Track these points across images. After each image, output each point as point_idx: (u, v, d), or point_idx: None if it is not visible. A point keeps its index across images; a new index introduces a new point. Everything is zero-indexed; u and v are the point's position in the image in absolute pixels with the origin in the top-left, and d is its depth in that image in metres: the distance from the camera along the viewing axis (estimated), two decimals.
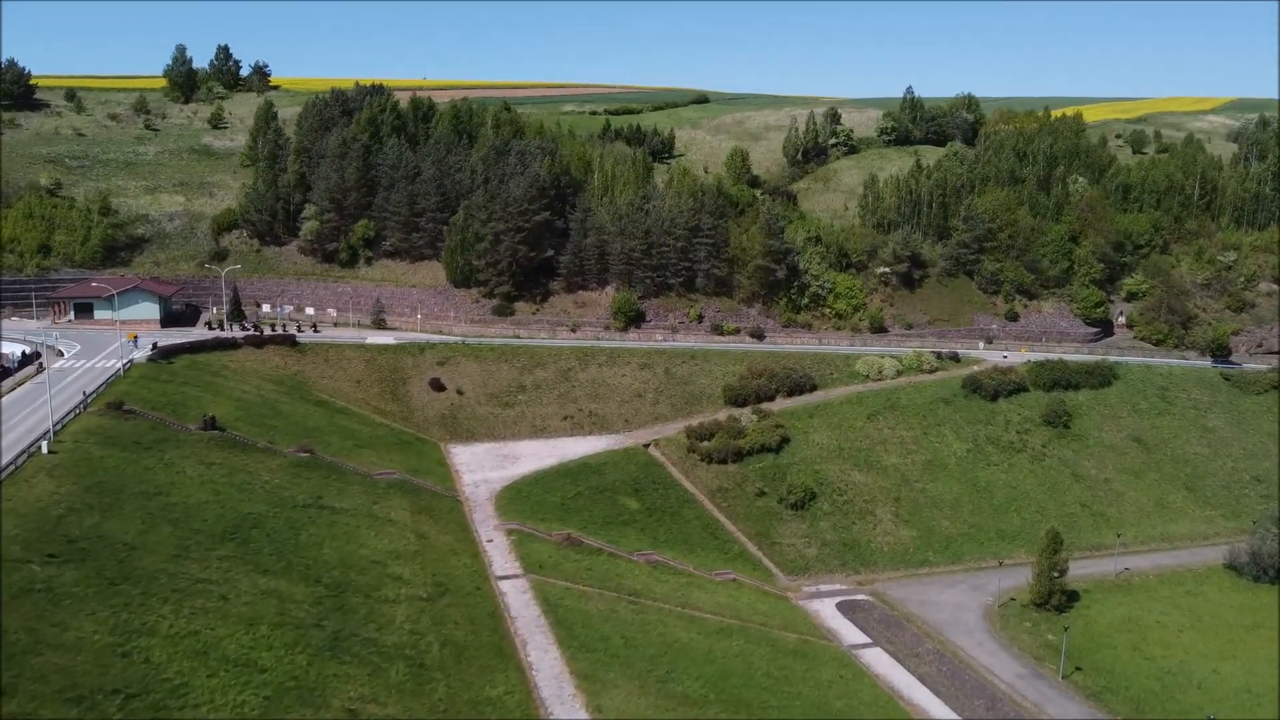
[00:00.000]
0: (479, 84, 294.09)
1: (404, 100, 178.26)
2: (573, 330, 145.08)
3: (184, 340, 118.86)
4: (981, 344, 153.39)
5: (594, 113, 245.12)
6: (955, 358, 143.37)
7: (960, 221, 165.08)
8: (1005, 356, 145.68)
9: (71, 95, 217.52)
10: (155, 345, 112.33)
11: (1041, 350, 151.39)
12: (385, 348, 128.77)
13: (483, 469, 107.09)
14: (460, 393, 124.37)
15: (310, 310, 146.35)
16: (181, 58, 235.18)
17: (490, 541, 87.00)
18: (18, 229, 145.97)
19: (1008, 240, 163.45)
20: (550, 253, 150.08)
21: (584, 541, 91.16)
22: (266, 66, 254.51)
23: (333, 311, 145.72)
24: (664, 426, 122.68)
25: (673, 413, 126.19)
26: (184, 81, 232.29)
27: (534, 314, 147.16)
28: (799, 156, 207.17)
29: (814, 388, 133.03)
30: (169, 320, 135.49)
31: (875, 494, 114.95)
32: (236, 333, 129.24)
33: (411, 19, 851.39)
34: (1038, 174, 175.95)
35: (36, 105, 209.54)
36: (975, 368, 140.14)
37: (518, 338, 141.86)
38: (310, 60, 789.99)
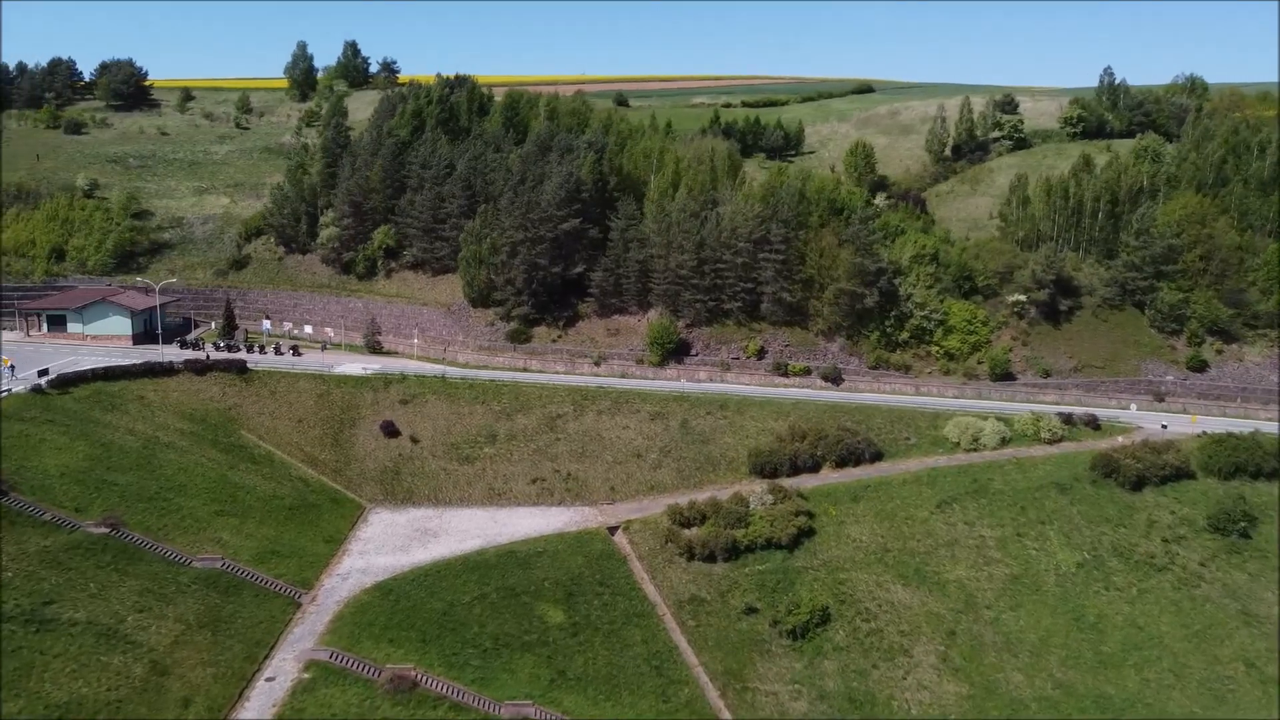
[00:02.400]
0: (614, 78, 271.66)
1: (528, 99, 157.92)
2: (596, 364, 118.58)
3: (106, 364, 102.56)
4: (1134, 405, 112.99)
5: (727, 105, 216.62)
6: (1094, 424, 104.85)
7: (1132, 236, 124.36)
8: (1165, 426, 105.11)
9: (188, 95, 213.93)
10: (42, 372, 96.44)
11: (1232, 416, 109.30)
12: (348, 379, 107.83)
13: (380, 551, 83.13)
14: (415, 440, 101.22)
15: (308, 329, 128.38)
16: (303, 55, 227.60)
17: (271, 680, 62.74)
18: (36, 232, 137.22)
19: (1199, 262, 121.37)
20: (581, 268, 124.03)
21: (423, 683, 64.97)
22: (395, 63, 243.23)
23: (330, 331, 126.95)
24: (658, 499, 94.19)
25: (676, 481, 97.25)
26: (302, 80, 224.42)
27: (554, 341, 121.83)
28: (946, 153, 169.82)
29: (877, 457, 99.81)
30: (145, 337, 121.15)
31: (920, 622, 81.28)
32: (199, 353, 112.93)
33: (571, 17, 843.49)
34: (1261, 175, 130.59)
35: (150, 105, 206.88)
36: (1119, 439, 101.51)
37: (525, 370, 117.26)
38: (464, 59, 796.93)
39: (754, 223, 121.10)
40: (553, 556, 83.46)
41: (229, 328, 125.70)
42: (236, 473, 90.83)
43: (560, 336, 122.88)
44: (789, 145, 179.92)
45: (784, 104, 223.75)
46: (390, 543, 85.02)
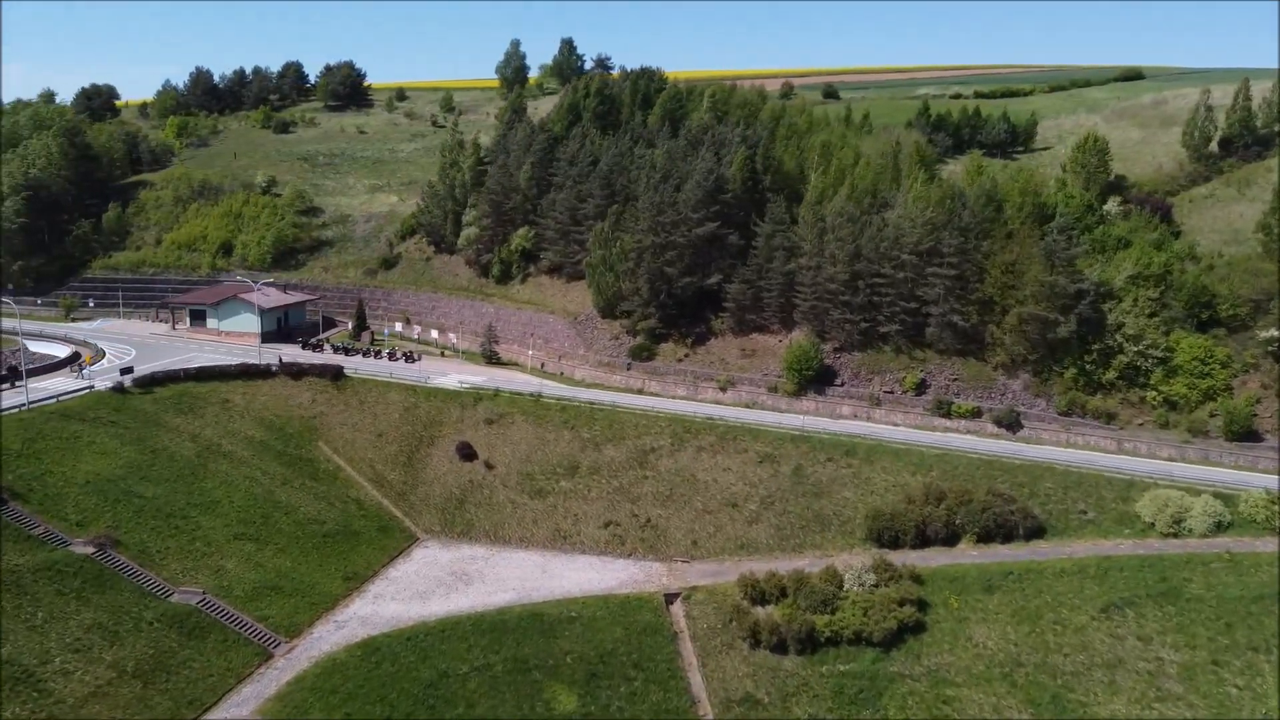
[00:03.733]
0: (830, 70, 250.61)
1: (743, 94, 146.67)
2: (722, 389, 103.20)
3: (200, 365, 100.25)
4: None
5: (956, 95, 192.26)
6: None
7: None
8: None
9: (401, 95, 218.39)
10: (125, 369, 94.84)
11: None
12: (439, 393, 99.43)
13: (398, 596, 73.19)
14: (489, 466, 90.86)
15: (434, 333, 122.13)
16: (515, 53, 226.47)
17: None
18: (209, 226, 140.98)
19: None
20: (717, 279, 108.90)
21: None
22: (608, 60, 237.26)
23: (453, 337, 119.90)
24: (743, 561, 78.06)
25: (772, 541, 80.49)
26: (513, 78, 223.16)
27: (680, 360, 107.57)
28: (1211, 148, 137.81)
29: (1035, 533, 77.93)
30: (277, 335, 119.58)
31: None
32: (316, 354, 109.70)
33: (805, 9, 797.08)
34: None
35: (363, 105, 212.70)
36: None
37: (641, 392, 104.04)
38: (680, 54, 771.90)
39: (922, 230, 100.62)
40: (587, 624, 69.64)
41: (359, 329, 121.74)
42: (287, 490, 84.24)
43: (687, 355, 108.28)
44: (1015, 140, 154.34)
45: (1027, 94, 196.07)
46: (415, 586, 74.73)
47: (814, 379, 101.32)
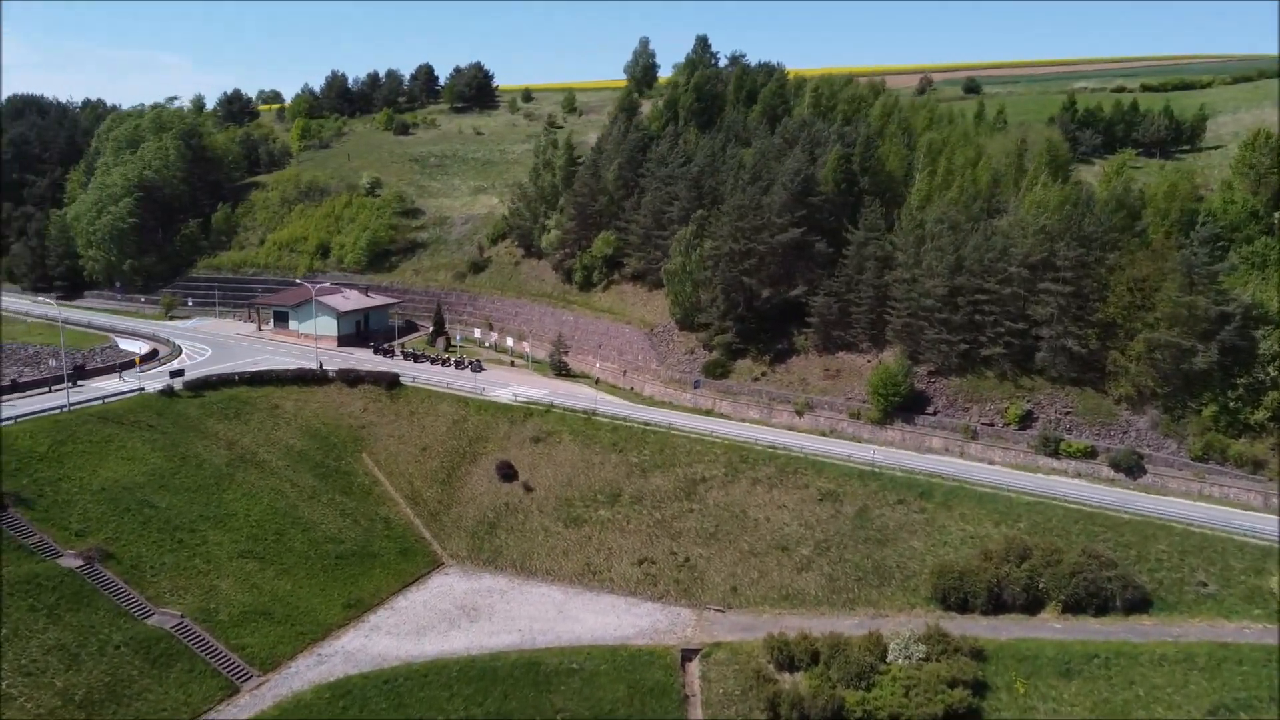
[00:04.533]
0: (977, 65, 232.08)
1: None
2: (799, 413, 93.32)
3: (257, 370, 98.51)
4: None
5: (1119, 89, 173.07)
6: None
7: None
8: None
9: (527, 96, 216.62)
10: (176, 373, 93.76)
11: None
12: (489, 406, 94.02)
13: (397, 629, 67.87)
14: (528, 489, 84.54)
15: (510, 340, 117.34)
16: (644, 51, 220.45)
17: None
18: (311, 228, 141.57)
19: None
20: (802, 290, 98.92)
21: None
22: (743, 56, 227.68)
23: (526, 345, 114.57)
24: (785, 615, 68.77)
25: (822, 593, 70.57)
26: (641, 77, 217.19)
27: (757, 379, 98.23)
28: None
29: (1137, 606, 65.12)
30: (356, 338, 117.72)
31: None
32: (387, 359, 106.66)
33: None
34: None
35: (488, 106, 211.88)
36: None
37: (710, 413, 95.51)
38: (819, 51, 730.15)
39: (1035, 240, 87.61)
40: (587, 679, 61.97)
41: (435, 334, 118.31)
42: (312, 504, 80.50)
43: (765, 374, 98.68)
44: (1179, 137, 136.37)
45: (1203, 86, 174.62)
46: (417, 620, 69.06)
47: (903, 405, 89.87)
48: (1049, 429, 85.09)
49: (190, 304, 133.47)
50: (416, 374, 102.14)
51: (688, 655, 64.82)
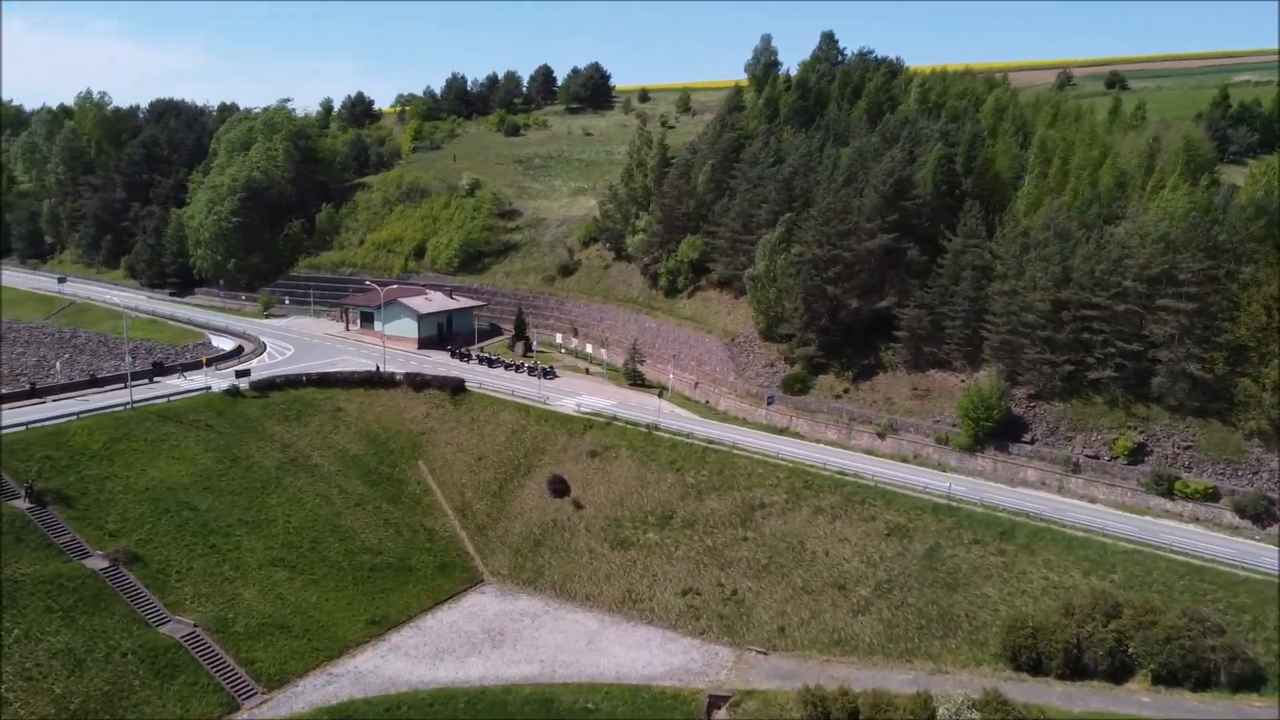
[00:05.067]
0: (1126, 59, 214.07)
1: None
2: (881, 435, 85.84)
3: (325, 371, 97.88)
4: None
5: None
6: None
7: None
8: None
9: (644, 97, 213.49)
10: (241, 373, 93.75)
11: None
12: (550, 416, 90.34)
13: (415, 651, 64.84)
14: (578, 506, 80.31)
15: (589, 347, 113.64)
16: (765, 49, 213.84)
17: None
18: (408, 228, 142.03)
19: None
20: (892, 301, 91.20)
21: None
22: (871, 53, 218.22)
23: (604, 353, 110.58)
24: (833, 663, 62.07)
25: (879, 640, 63.54)
26: (761, 76, 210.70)
27: (838, 397, 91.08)
28: None
29: (1249, 682, 55.62)
30: (437, 341, 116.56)
31: None
32: (464, 363, 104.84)
33: None
34: None
35: (603, 107, 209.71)
36: None
37: (783, 432, 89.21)
38: (956, 47, 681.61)
39: (1154, 250, 77.44)
40: None
41: (516, 338, 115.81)
42: (357, 512, 78.61)
43: (847, 391, 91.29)
44: None
45: None
46: (439, 642, 65.76)
47: (996, 431, 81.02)
48: (1163, 465, 74.79)
49: (287, 302, 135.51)
50: (484, 379, 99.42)
51: (715, 703, 58.97)
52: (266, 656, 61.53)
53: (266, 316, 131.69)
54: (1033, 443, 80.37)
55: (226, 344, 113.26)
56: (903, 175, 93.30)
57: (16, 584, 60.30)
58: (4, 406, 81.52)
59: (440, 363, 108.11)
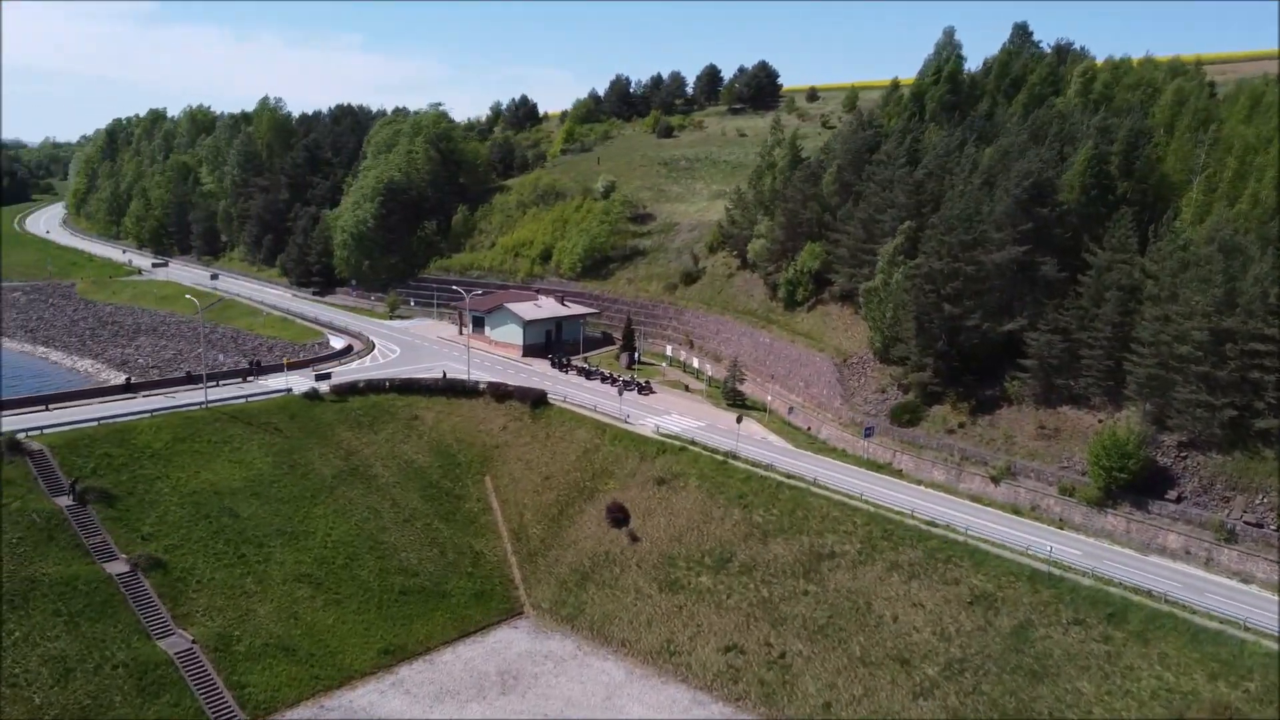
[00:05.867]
0: None
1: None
2: (995, 480, 73.97)
3: (408, 378, 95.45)
4: None
5: None
6: None
7: None
8: None
9: (813, 96, 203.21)
10: (322, 375, 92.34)
11: None
12: (625, 436, 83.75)
13: (416, 689, 60.07)
14: (635, 538, 73.35)
15: (696, 362, 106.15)
16: (947, 44, 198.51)
17: None
18: (538, 232, 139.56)
19: None
20: (1021, 324, 78.78)
21: None
22: (1071, 45, 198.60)
23: (710, 368, 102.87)
24: None
25: None
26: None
27: (952, 431, 79.53)
28: None
29: None
30: (541, 348, 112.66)
31: None
32: (563, 373, 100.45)
33: None
34: None
35: (765, 108, 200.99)
36: None
37: (883, 469, 78.88)
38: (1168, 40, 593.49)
39: None
40: None
41: (624, 349, 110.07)
42: (403, 529, 75.02)
43: (963, 425, 79.38)
44: None
45: None
46: (446, 681, 60.63)
47: (1134, 484, 67.51)
48: None
49: (413, 304, 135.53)
50: (570, 392, 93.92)
51: None
52: (260, 681, 58.17)
53: (391, 318, 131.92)
54: (1179, 501, 66.23)
55: (340, 343, 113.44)
56: (1043, 177, 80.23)
57: (33, 583, 59.69)
58: (93, 401, 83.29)
59: (539, 372, 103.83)
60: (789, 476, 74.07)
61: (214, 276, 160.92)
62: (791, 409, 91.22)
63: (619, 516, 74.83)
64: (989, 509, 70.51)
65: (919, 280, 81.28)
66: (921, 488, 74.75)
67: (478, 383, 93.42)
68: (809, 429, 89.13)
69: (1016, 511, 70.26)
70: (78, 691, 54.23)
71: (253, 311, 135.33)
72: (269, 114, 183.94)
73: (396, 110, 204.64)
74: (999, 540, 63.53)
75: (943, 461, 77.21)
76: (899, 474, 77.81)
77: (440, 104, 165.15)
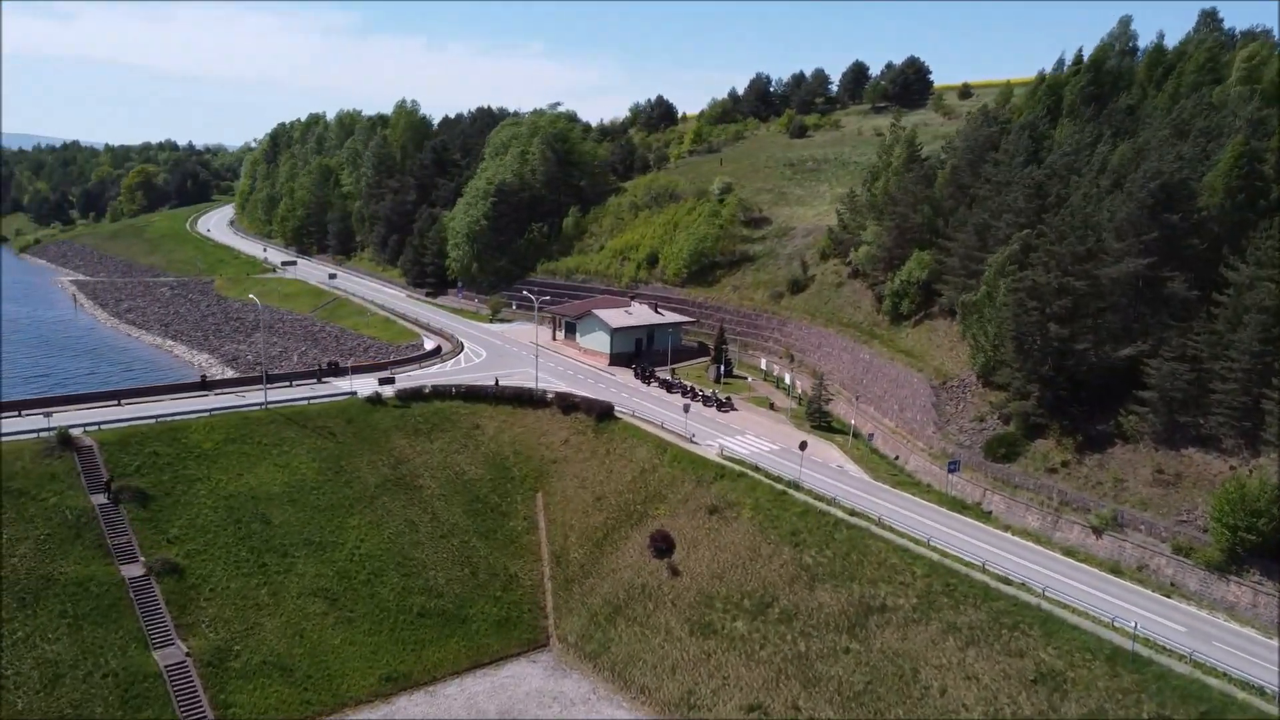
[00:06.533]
0: None
1: None
2: (1097, 531, 63.51)
3: (473, 385, 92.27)
4: None
5: None
6: None
7: None
8: None
9: (966, 93, 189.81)
10: (385, 380, 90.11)
11: None
12: (685, 457, 77.38)
13: None
14: (675, 572, 67.10)
15: (788, 377, 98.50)
16: (1123, 33, 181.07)
17: None
18: (646, 235, 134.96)
19: None
20: (1141, 348, 67.70)
21: None
22: (1266, 30, 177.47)
23: (800, 385, 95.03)
24: None
25: None
26: (1118, 64, 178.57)
27: (1053, 470, 69.15)
28: None
29: None
30: (627, 358, 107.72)
31: None
32: (646, 385, 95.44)
33: None
34: None
35: (912, 105, 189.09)
36: None
37: (967, 509, 69.46)
38: None
39: None
40: None
41: (715, 361, 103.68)
42: (437, 545, 71.63)
43: (1067, 464, 68.74)
44: None
45: None
46: (448, 714, 56.17)
47: (1264, 548, 55.88)
48: None
49: (514, 307, 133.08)
50: (643, 406, 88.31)
51: None
52: (248, 703, 55.50)
53: (492, 321, 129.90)
54: None
55: (430, 346, 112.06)
56: (1176, 178, 68.47)
57: (48, 582, 59.39)
58: (165, 397, 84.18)
59: (619, 383, 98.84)
60: (852, 513, 65.79)
61: (332, 276, 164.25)
62: (873, 434, 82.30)
63: (662, 546, 68.59)
64: (1084, 566, 60.14)
65: (1022, 295, 70.97)
66: (1009, 534, 64.86)
67: (545, 392, 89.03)
68: (896, 458, 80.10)
69: (1117, 570, 59.53)
70: (62, 699, 52.97)
71: (360, 311, 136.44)
72: (405, 116, 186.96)
73: (535, 111, 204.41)
74: (1081, 607, 53.47)
75: (1038, 505, 66.89)
76: (985, 516, 68.06)
77: (559, 104, 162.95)
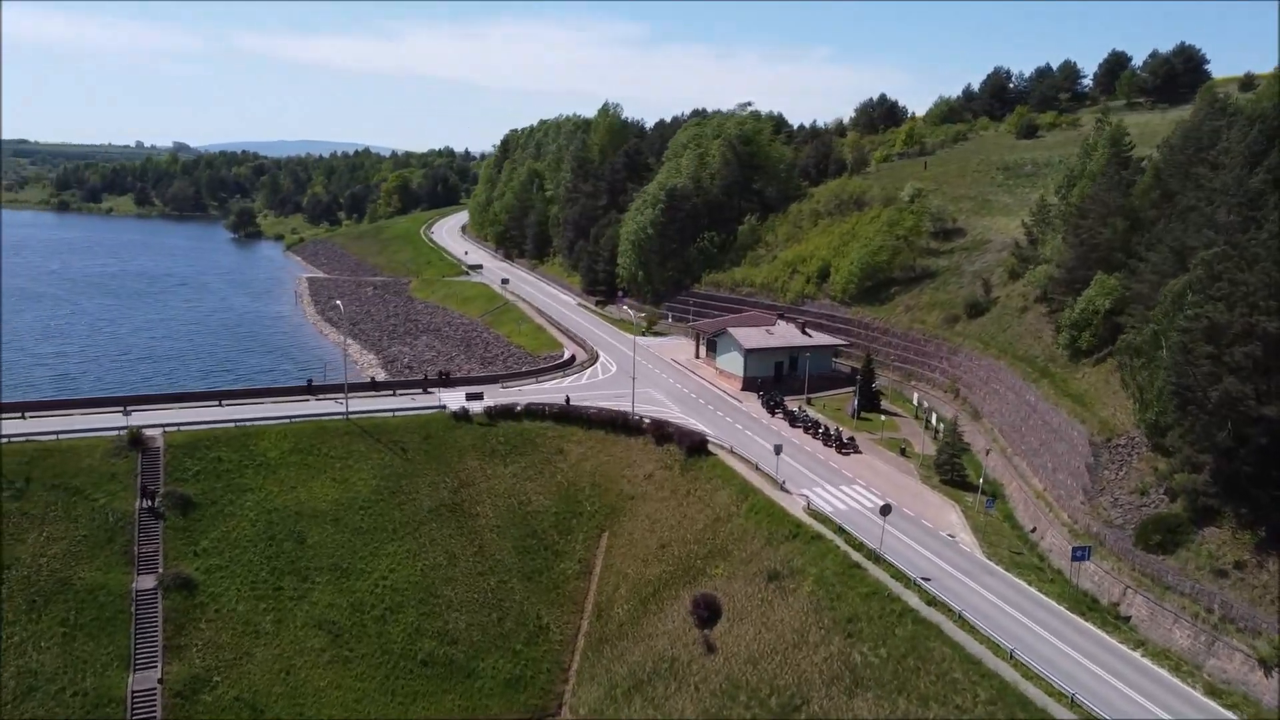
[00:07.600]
0: None
1: None
2: (1264, 666, 46.80)
3: (567, 406, 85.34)
4: None
5: None
6: None
7: None
8: None
9: (1248, 84, 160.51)
10: (473, 395, 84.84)
11: None
12: (764, 509, 66.43)
13: None
14: (711, 648, 56.91)
15: (935, 418, 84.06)
16: None
17: None
18: (821, 245, 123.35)
19: None
20: None
21: None
22: None
23: (956, 424, 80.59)
24: None
25: None
26: None
27: (1222, 573, 52.20)
28: None
29: None
30: (768, 382, 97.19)
31: None
32: (774, 416, 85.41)
33: None
34: None
35: (1179, 100, 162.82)
36: None
37: (1095, 609, 54.26)
38: None
39: None
40: None
41: (861, 392, 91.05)
42: (471, 583, 65.63)
43: (1240, 565, 51.51)
44: None
45: None
46: None
47: None
48: None
49: (670, 320, 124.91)
50: (740, 441, 77.68)
51: None
52: None
53: (645, 334, 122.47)
54: None
55: (566, 357, 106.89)
56: None
57: (64, 586, 58.99)
58: (266, 400, 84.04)
59: (745, 410, 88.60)
60: (930, 602, 52.37)
61: (504, 281, 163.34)
62: (994, 498, 66.84)
63: (705, 615, 58.31)
64: (1230, 712, 43.56)
65: (1189, 337, 54.00)
66: (1139, 654, 48.87)
67: (641, 418, 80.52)
68: (1033, 530, 64.59)
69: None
70: (26, 714, 51.18)
71: (519, 318, 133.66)
72: (606, 119, 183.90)
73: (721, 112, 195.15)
74: None
75: (1191, 617, 50.22)
76: (1118, 623, 52.11)
77: (749, 103, 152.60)
